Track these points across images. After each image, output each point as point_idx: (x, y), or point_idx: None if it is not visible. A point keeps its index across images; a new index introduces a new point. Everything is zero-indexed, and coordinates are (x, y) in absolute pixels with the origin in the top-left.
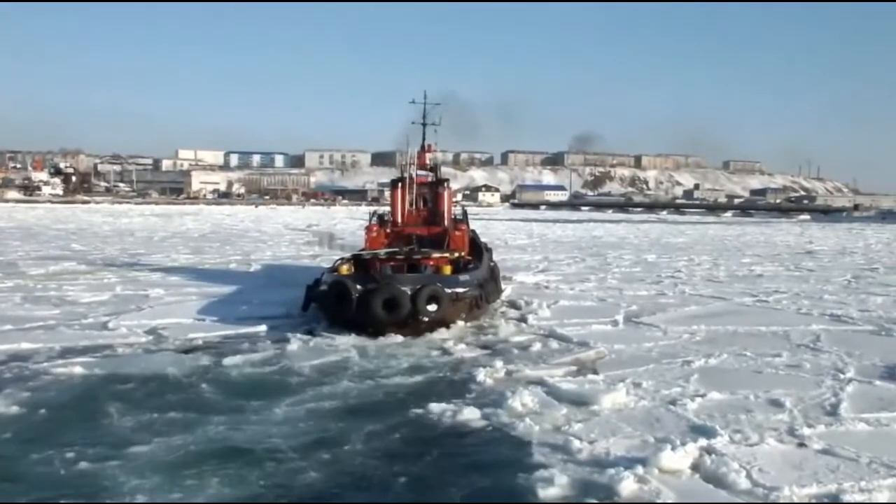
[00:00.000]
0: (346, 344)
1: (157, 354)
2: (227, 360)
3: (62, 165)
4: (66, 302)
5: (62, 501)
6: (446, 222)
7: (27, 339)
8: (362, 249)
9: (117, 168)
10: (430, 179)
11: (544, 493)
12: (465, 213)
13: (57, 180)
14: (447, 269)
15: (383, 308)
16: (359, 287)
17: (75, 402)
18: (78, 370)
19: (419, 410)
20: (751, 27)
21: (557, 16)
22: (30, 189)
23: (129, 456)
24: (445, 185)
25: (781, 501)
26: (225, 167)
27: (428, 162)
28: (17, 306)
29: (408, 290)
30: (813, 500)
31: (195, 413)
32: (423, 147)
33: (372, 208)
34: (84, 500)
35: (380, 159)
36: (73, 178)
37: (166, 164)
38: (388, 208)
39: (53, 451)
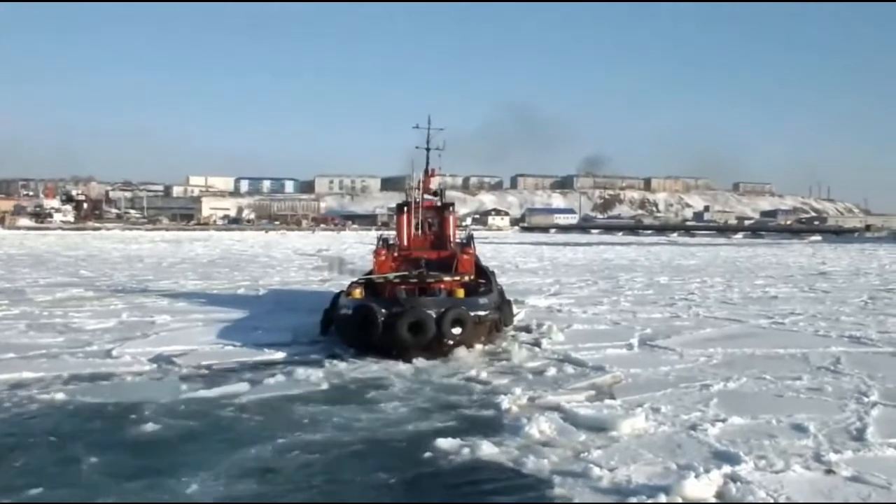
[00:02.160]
0: (370, 368)
1: (157, 384)
2: (229, 389)
3: (74, 192)
4: (71, 329)
5: (62, 501)
6: (452, 246)
7: (29, 368)
8: (370, 273)
9: (128, 195)
10: (435, 204)
11: None
12: (470, 237)
13: (68, 207)
14: (460, 293)
15: (409, 331)
16: (384, 311)
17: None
18: (60, 397)
19: (437, 437)
20: (760, 49)
21: (566, 40)
22: (41, 216)
23: None
24: (451, 208)
25: None
26: (235, 193)
27: (432, 186)
28: (22, 334)
29: (433, 313)
30: None
31: (164, 456)
32: (426, 172)
33: (380, 233)
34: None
35: (389, 184)
36: (85, 205)
37: (177, 191)
38: (394, 233)
39: None
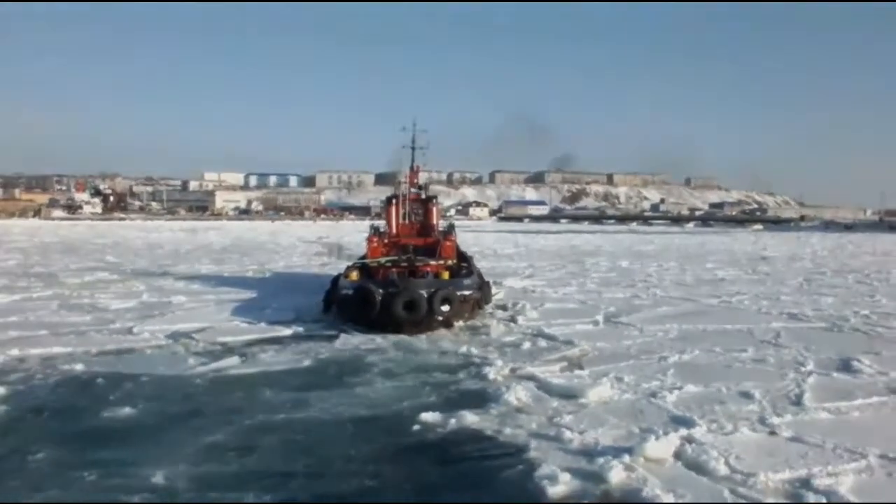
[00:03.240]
0: (368, 343)
1: (168, 358)
2: (236, 363)
3: (101, 187)
4: (97, 309)
5: (62, 501)
6: (435, 233)
7: (59, 344)
8: (363, 257)
9: (150, 189)
10: (420, 196)
11: (548, 489)
12: (451, 226)
13: (97, 200)
14: (445, 275)
15: (404, 309)
16: (381, 291)
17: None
18: (79, 368)
19: (424, 407)
20: (711, 59)
21: (544, 54)
22: (73, 208)
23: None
24: (434, 200)
25: (768, 502)
26: (245, 187)
27: (416, 180)
28: (54, 313)
29: (424, 293)
30: (787, 487)
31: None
32: (411, 168)
33: (373, 222)
34: (85, 500)
35: (383, 179)
36: (111, 198)
37: (193, 185)
38: (384, 222)
39: None
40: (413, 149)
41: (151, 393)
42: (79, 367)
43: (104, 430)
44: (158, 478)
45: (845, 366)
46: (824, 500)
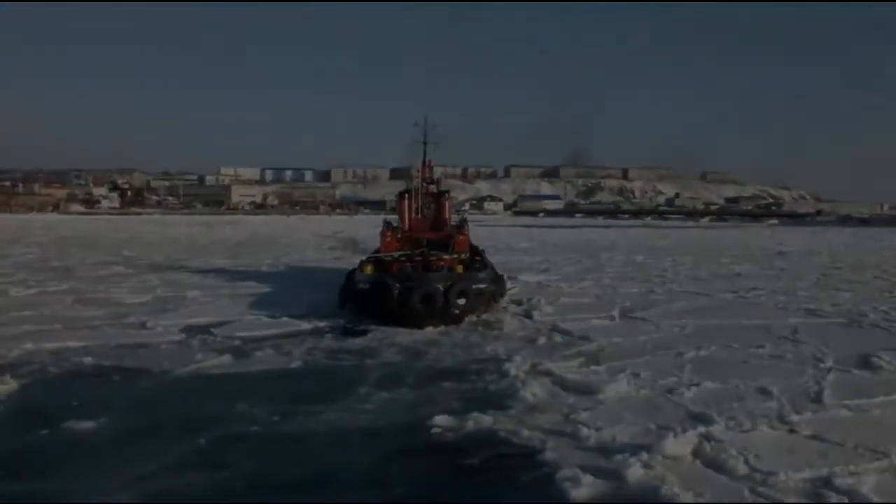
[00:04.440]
0: (386, 336)
1: (176, 353)
2: (248, 359)
3: (119, 182)
4: (112, 303)
5: (63, 501)
6: (448, 228)
7: (73, 338)
8: (376, 251)
9: (167, 183)
10: (433, 191)
11: (568, 489)
12: (464, 221)
13: (114, 195)
14: (459, 269)
15: (421, 302)
16: (398, 285)
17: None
18: (88, 361)
19: (440, 402)
20: (726, 58)
21: (559, 49)
22: (91, 203)
23: None
24: (446, 195)
25: (788, 502)
26: (261, 182)
27: (429, 175)
28: (68, 307)
29: (440, 286)
30: (808, 486)
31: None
32: (423, 163)
33: (386, 216)
34: (86, 501)
35: (397, 174)
36: (129, 193)
37: (209, 180)
38: (397, 216)
39: None
40: (425, 144)
41: (156, 390)
42: (88, 360)
43: (103, 430)
44: (150, 482)
45: (865, 362)
46: (846, 501)
